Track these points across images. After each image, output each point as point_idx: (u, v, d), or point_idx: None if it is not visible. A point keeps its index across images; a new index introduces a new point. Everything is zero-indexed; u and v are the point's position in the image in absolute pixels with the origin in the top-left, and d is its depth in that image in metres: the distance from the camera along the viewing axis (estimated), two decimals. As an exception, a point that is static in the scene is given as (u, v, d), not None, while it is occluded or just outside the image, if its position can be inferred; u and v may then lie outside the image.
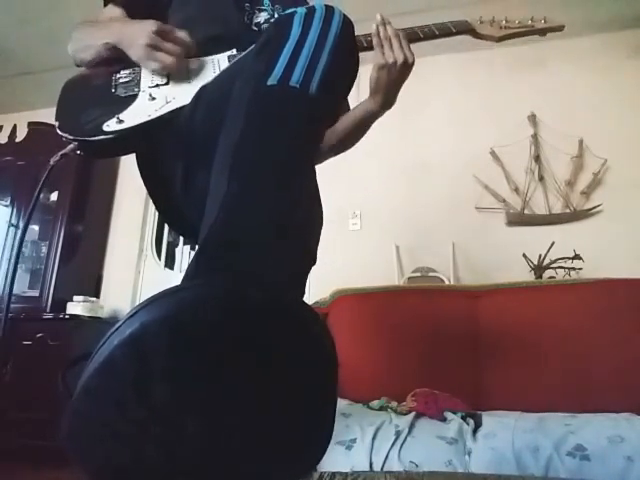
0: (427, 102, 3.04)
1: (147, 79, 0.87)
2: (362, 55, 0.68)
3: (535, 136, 2.79)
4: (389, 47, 0.92)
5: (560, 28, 1.08)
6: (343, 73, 0.64)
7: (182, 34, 0.86)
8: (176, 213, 0.90)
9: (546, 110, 2.82)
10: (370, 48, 0.95)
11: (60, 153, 0.83)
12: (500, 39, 1.07)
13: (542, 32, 1.08)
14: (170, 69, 0.85)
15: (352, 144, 1.09)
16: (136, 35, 0.84)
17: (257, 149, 0.53)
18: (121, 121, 0.80)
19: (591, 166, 2.66)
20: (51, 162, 0.86)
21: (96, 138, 0.79)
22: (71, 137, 0.80)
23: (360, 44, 0.92)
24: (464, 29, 1.04)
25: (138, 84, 0.87)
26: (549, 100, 2.83)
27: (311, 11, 0.62)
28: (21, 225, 3.17)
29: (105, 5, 1.04)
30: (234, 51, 0.91)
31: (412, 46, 0.97)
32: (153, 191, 0.93)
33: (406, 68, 0.92)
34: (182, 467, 0.42)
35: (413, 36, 0.97)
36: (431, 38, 0.99)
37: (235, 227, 0.48)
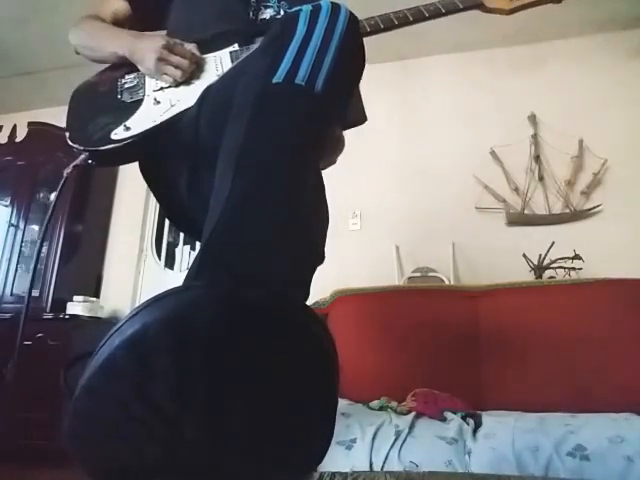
0: (427, 102, 3.04)
1: (151, 83, 0.88)
2: (368, 55, 0.67)
3: (535, 136, 2.79)
4: None
5: None
6: (349, 70, 0.63)
7: (189, 46, 0.88)
8: (181, 213, 0.91)
9: (546, 110, 2.82)
10: (374, 32, 0.92)
11: (72, 164, 0.84)
12: (510, 12, 1.02)
13: None
14: (180, 81, 0.86)
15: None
16: (146, 50, 0.87)
17: (261, 148, 0.53)
18: (128, 128, 0.81)
19: (591, 166, 2.66)
20: (64, 174, 0.87)
21: (105, 147, 0.80)
22: (81, 148, 0.81)
23: (363, 29, 0.90)
24: (472, 4, 0.98)
25: (143, 88, 0.88)
26: (549, 100, 2.83)
27: (317, 8, 0.61)
28: (21, 225, 3.16)
29: None
30: (236, 46, 0.91)
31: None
32: (157, 192, 0.94)
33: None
34: (183, 467, 0.42)
35: (418, 15, 0.94)
36: (437, 16, 0.95)
37: (238, 227, 0.48)
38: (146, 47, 0.87)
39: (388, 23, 0.93)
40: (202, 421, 0.40)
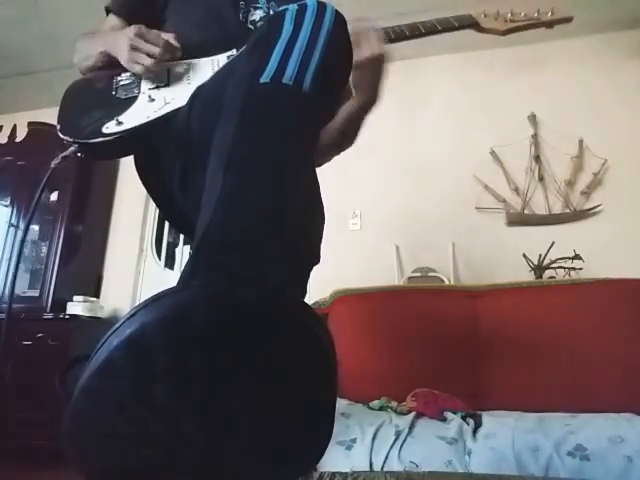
0: (427, 102, 3.04)
1: (147, 81, 0.88)
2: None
3: (535, 136, 2.79)
4: (356, 45, 0.90)
5: (568, 20, 1.03)
6: (337, 69, 0.63)
7: (165, 35, 0.88)
8: (176, 212, 0.91)
9: (546, 110, 2.81)
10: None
11: (61, 155, 0.84)
12: (505, 33, 1.03)
13: (549, 24, 1.04)
14: (151, 70, 0.86)
15: (346, 146, 1.05)
16: (120, 39, 0.87)
17: (251, 148, 0.53)
18: (120, 123, 0.81)
19: (591, 166, 2.66)
20: (52, 165, 0.87)
21: (95, 140, 0.80)
22: (71, 140, 0.81)
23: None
24: (468, 23, 1.01)
25: (138, 86, 0.88)
26: (549, 100, 2.83)
27: (303, 8, 0.61)
28: (21, 225, 3.16)
29: (107, 15, 1.07)
30: (234, 51, 0.91)
31: (414, 42, 0.95)
32: (152, 191, 0.94)
33: (377, 63, 0.87)
34: (182, 467, 0.42)
35: (414, 31, 0.95)
36: (433, 33, 0.97)
37: (231, 226, 0.47)
38: (120, 36, 0.88)
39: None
40: (201, 421, 0.40)
